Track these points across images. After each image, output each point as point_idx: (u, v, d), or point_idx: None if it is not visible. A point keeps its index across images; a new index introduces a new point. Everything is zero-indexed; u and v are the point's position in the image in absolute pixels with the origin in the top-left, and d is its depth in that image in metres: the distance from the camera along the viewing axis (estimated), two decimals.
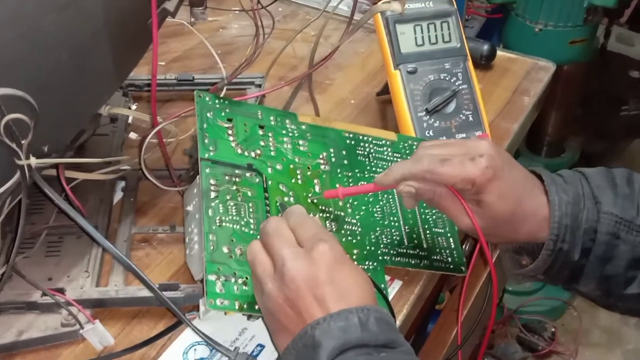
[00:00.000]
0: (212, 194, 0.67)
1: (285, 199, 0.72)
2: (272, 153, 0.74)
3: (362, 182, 0.77)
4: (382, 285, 0.71)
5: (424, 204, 0.78)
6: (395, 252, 0.74)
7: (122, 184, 0.83)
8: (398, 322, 0.72)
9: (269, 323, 0.60)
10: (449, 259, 0.75)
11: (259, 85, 0.97)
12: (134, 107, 0.96)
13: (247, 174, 0.71)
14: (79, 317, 0.66)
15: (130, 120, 0.92)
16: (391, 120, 0.93)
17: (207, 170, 0.69)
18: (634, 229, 0.65)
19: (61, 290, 0.67)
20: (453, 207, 0.66)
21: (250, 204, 0.69)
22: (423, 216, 0.77)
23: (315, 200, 0.73)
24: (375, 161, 0.80)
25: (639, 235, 0.65)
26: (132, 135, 0.88)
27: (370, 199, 0.76)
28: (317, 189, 0.74)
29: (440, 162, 0.64)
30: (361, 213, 0.75)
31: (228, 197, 0.68)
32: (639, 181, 0.68)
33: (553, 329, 1.91)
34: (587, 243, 0.65)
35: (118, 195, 0.82)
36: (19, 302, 0.67)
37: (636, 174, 0.69)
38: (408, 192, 0.66)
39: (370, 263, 0.72)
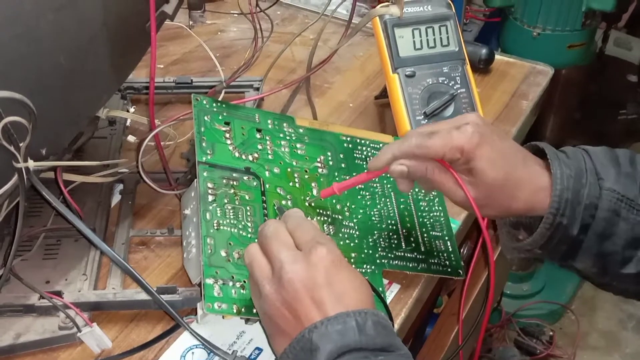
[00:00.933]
0: (210, 198, 0.67)
1: (283, 202, 0.72)
2: (270, 156, 0.74)
3: (360, 185, 0.77)
4: (380, 289, 0.71)
5: (421, 207, 0.78)
6: (393, 256, 0.74)
7: (120, 186, 0.83)
8: (396, 326, 0.72)
9: (266, 326, 0.60)
10: (447, 262, 0.75)
11: (258, 89, 0.97)
12: (132, 109, 0.96)
13: (245, 178, 0.71)
14: (77, 320, 0.66)
15: (128, 123, 0.92)
16: (389, 123, 0.94)
17: (205, 174, 0.69)
18: (635, 208, 0.65)
19: (59, 293, 0.67)
20: (446, 182, 0.65)
21: (248, 208, 0.69)
22: (421, 219, 0.77)
23: (312, 203, 0.73)
24: None
25: (639, 215, 0.65)
26: (131, 138, 0.88)
27: (368, 203, 0.77)
28: (314, 192, 0.74)
29: (428, 135, 0.64)
30: (359, 216, 0.75)
31: (226, 201, 0.68)
32: None
33: (551, 333, 1.90)
34: (586, 219, 0.64)
35: (116, 198, 0.82)
36: (17, 305, 0.67)
37: (639, 155, 0.68)
38: (400, 171, 0.65)
39: (368, 266, 0.72)
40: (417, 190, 0.80)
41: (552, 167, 0.65)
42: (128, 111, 0.94)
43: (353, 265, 0.68)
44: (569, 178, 0.64)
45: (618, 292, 0.71)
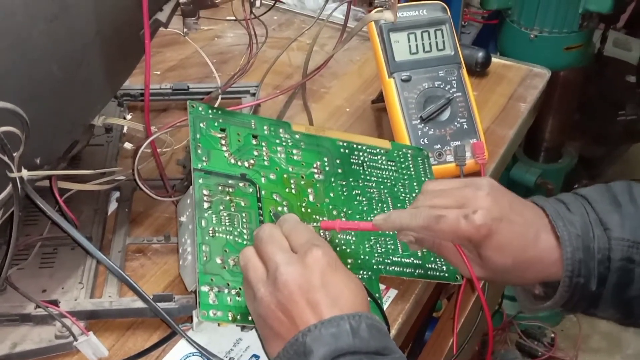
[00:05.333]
0: (205, 205, 0.67)
1: (279, 208, 0.72)
2: (266, 163, 0.74)
3: (357, 191, 0.77)
4: (377, 295, 0.71)
5: None
6: (389, 261, 0.73)
7: (117, 194, 0.83)
8: (394, 331, 0.72)
9: (260, 329, 0.60)
10: (444, 267, 0.75)
11: (254, 94, 0.97)
12: (128, 117, 0.96)
13: (241, 184, 0.71)
14: (73, 329, 0.66)
15: (125, 130, 0.92)
16: (387, 128, 0.93)
17: (200, 181, 0.69)
18: None
19: (55, 302, 0.67)
20: (454, 258, 0.67)
21: (244, 214, 0.69)
22: None
23: (309, 210, 0.73)
24: (369, 170, 0.80)
25: None
26: (127, 145, 0.88)
27: (365, 208, 0.76)
28: (311, 198, 0.74)
29: (436, 219, 0.64)
30: None
31: (221, 208, 0.68)
32: None
33: (552, 335, 1.90)
34: (602, 272, 0.63)
35: (113, 206, 0.82)
36: (13, 315, 0.67)
37: (635, 185, 0.67)
38: (408, 240, 0.68)
39: (365, 272, 0.72)
40: (413, 195, 0.80)
41: (557, 229, 0.64)
42: (125, 118, 0.94)
43: None
44: (577, 237, 0.63)
45: None
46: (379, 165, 0.80)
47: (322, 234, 0.72)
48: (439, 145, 0.87)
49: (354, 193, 0.77)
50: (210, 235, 0.66)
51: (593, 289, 0.64)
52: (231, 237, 0.67)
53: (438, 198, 0.66)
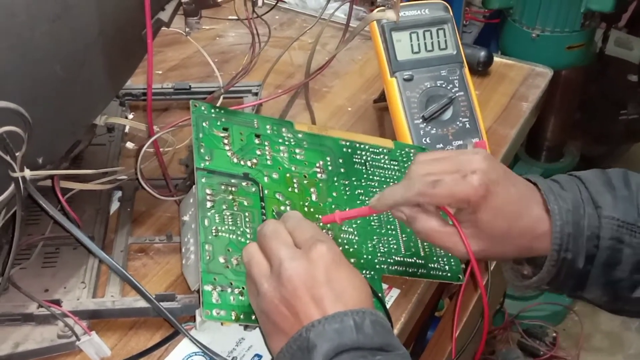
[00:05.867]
0: (208, 204, 0.67)
1: (282, 208, 0.72)
2: (269, 162, 0.74)
3: (359, 190, 0.77)
4: (380, 294, 0.71)
5: None
6: (392, 261, 0.73)
7: (119, 193, 0.83)
8: (396, 330, 0.72)
9: (263, 325, 0.60)
10: (446, 267, 0.75)
11: (256, 94, 0.97)
12: (130, 116, 0.96)
13: (244, 183, 0.71)
14: (76, 328, 0.66)
15: (127, 130, 0.92)
16: (389, 127, 0.93)
17: (203, 180, 0.69)
18: (637, 231, 0.64)
19: (57, 302, 0.67)
20: (447, 239, 0.64)
21: (247, 214, 0.69)
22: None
23: (312, 209, 0.73)
24: (372, 169, 0.79)
25: None
26: (129, 145, 0.88)
27: None
28: (313, 197, 0.74)
29: (432, 183, 0.62)
30: (358, 221, 0.75)
31: (224, 207, 0.68)
32: (635, 181, 0.66)
33: (554, 334, 1.90)
34: (590, 250, 0.63)
35: (115, 205, 0.82)
36: (15, 314, 0.67)
37: (631, 173, 0.67)
38: (399, 217, 0.66)
39: (367, 272, 0.72)
40: None
41: (548, 203, 0.64)
42: (127, 118, 0.94)
43: None
44: (567, 212, 0.63)
45: (631, 315, 0.71)
46: (382, 165, 0.80)
47: (324, 231, 0.72)
48: (441, 145, 0.87)
49: (356, 192, 0.77)
50: (213, 234, 0.66)
51: (580, 267, 0.64)
52: (234, 237, 0.67)
53: (432, 165, 0.65)
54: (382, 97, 1.00)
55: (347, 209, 0.75)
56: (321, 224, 0.72)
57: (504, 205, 0.63)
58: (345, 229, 0.73)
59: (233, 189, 0.70)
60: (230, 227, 0.67)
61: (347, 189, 0.77)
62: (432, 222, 0.64)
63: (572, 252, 0.63)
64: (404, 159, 0.82)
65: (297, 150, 0.77)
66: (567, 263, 0.64)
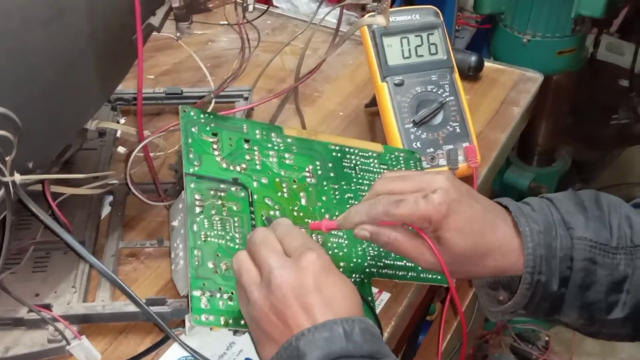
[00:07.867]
0: (197, 209, 0.67)
1: (271, 212, 0.72)
2: (258, 167, 0.74)
3: (349, 194, 0.78)
4: (370, 298, 0.71)
5: None
6: (382, 265, 0.74)
7: (110, 198, 0.83)
8: (386, 334, 0.72)
9: (253, 333, 0.60)
10: None
11: (247, 98, 0.97)
12: (122, 121, 0.96)
13: (233, 189, 0.71)
14: (66, 333, 0.66)
15: (118, 134, 0.92)
16: (380, 132, 0.94)
17: (192, 185, 0.69)
18: (610, 252, 0.63)
19: (48, 306, 0.67)
20: (412, 248, 0.64)
21: (236, 219, 0.69)
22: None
23: (301, 214, 0.73)
24: (361, 173, 0.80)
25: (615, 258, 0.63)
26: (120, 149, 0.87)
27: None
28: (303, 202, 0.74)
29: (395, 203, 0.62)
30: None
31: (213, 212, 0.68)
32: (606, 202, 0.66)
33: (547, 338, 1.90)
34: (564, 272, 0.63)
35: (106, 210, 0.82)
36: (6, 319, 0.67)
37: (603, 195, 0.67)
38: (363, 236, 0.65)
39: (357, 275, 0.72)
40: None
41: (519, 225, 0.63)
42: (118, 122, 0.94)
43: None
44: (539, 233, 0.63)
45: (609, 338, 0.70)
46: (371, 169, 0.81)
47: (313, 237, 0.72)
48: (432, 149, 0.87)
49: (346, 196, 0.77)
50: (202, 239, 0.66)
51: (555, 289, 0.63)
52: (223, 242, 0.67)
53: (396, 183, 0.65)
54: (373, 102, 1.01)
55: (337, 213, 0.75)
56: (309, 229, 0.72)
57: (466, 223, 0.62)
58: (335, 232, 0.73)
59: (222, 194, 0.70)
60: (219, 233, 0.67)
61: (336, 193, 0.77)
62: (396, 234, 0.64)
63: (545, 275, 0.63)
64: (394, 163, 0.83)
65: (287, 155, 0.77)
66: (541, 285, 0.63)
